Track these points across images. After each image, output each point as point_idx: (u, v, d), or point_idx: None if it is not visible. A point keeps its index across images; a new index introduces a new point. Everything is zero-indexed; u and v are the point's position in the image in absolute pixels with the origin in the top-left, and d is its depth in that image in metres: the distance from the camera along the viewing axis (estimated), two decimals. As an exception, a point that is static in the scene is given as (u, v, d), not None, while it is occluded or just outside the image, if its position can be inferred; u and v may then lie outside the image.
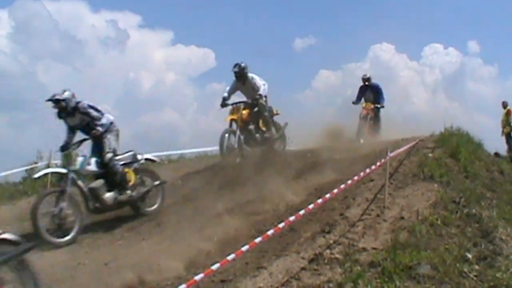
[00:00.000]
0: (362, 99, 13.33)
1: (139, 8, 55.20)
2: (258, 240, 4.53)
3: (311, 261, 4.88)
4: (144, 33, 50.17)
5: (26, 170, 13.30)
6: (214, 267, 4.08)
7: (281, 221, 5.05)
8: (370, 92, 13.17)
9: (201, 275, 3.95)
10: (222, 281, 4.84)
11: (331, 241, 5.22)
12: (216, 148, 10.91)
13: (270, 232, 4.63)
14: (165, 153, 14.40)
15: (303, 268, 4.76)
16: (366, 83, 13.22)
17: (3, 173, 10.21)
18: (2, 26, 40.27)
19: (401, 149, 7.43)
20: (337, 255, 4.92)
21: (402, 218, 5.68)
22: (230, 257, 4.23)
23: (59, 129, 8.31)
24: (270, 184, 7.75)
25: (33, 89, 39.72)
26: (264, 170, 8.78)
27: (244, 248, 4.36)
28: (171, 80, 47.99)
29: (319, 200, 5.21)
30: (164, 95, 45.37)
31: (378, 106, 13.02)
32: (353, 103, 13.28)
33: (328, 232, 5.44)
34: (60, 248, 7.02)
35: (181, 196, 9.03)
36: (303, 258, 4.95)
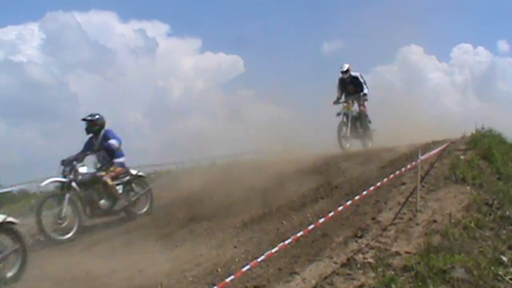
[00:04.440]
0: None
1: (167, 17, 56.12)
2: (288, 241, 4.61)
3: (343, 265, 4.88)
4: (172, 42, 50.91)
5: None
6: (244, 268, 4.18)
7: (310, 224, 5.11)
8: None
9: (231, 277, 4.05)
10: (256, 286, 4.89)
11: (364, 246, 5.21)
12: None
13: (299, 234, 4.70)
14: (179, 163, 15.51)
15: (336, 273, 4.77)
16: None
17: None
18: (33, 38, 41.36)
19: (432, 152, 7.37)
20: (369, 260, 4.91)
21: (435, 221, 5.63)
22: (259, 259, 4.33)
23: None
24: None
25: (65, 99, 40.70)
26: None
27: (274, 250, 4.45)
28: (200, 87, 48.42)
29: (348, 202, 5.24)
30: (193, 102, 45.79)
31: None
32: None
33: (361, 237, 5.44)
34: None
35: (211, 203, 9.14)
36: (335, 263, 4.97)
